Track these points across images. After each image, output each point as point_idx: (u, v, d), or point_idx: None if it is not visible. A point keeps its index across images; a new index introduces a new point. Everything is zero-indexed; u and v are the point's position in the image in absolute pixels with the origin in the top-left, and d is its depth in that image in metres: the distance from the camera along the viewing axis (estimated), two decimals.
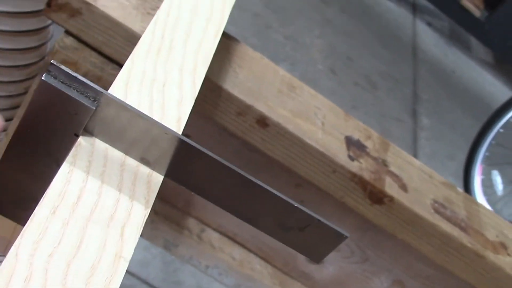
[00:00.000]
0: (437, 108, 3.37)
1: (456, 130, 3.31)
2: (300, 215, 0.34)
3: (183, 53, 0.44)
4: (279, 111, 0.65)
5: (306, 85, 0.72)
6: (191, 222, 0.77)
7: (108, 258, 0.30)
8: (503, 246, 0.73)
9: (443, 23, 4.10)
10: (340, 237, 0.35)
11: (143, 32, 0.61)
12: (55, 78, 0.31)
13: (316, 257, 0.37)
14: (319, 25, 3.18)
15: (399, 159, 0.72)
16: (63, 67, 0.31)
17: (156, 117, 0.37)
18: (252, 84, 0.65)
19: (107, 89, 0.34)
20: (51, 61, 0.31)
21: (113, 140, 0.35)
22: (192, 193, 0.76)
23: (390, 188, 0.67)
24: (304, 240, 0.35)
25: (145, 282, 1.58)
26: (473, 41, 4.04)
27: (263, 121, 0.64)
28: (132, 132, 0.34)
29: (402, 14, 3.87)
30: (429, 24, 4.01)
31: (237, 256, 0.78)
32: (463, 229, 0.70)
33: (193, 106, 0.41)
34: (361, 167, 0.67)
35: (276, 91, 0.67)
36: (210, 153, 0.34)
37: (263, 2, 3.00)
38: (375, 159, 0.69)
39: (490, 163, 2.62)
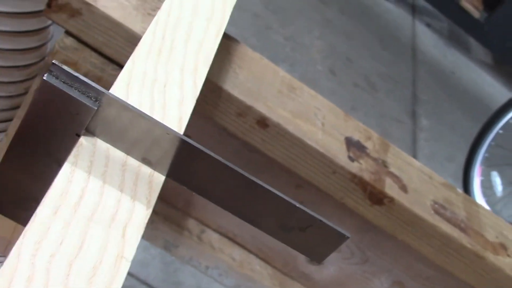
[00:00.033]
0: (436, 109, 3.37)
1: (455, 131, 3.31)
2: (301, 215, 0.34)
3: (184, 53, 0.44)
4: (279, 112, 0.65)
5: (306, 86, 0.72)
6: (191, 223, 0.77)
7: (109, 258, 0.30)
8: (503, 247, 0.73)
9: (442, 24, 4.10)
10: (341, 238, 0.34)
11: (143, 32, 0.61)
12: (57, 78, 0.31)
13: (318, 257, 0.37)
14: (319, 25, 3.18)
15: (399, 160, 0.72)
16: (64, 67, 0.31)
17: (157, 117, 0.37)
18: (252, 84, 0.65)
19: (107, 90, 0.34)
20: (53, 61, 0.31)
21: (115, 140, 0.35)
22: (193, 193, 0.76)
23: (390, 189, 0.67)
24: (305, 241, 0.35)
25: (144, 282, 1.58)
26: (472, 42, 4.04)
27: (263, 122, 0.64)
28: (133, 132, 0.34)
29: (401, 15, 3.87)
30: (428, 25, 4.01)
31: (237, 257, 0.78)
32: (463, 230, 0.70)
33: (194, 107, 0.41)
34: (361, 168, 0.67)
35: (276, 92, 0.67)
36: (211, 154, 0.34)
37: (263, 3, 3.00)
38: (375, 160, 0.69)
39: (490, 164, 2.62)
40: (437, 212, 0.69)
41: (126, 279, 0.30)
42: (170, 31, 0.45)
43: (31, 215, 0.30)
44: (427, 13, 4.03)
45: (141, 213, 0.33)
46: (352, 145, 0.69)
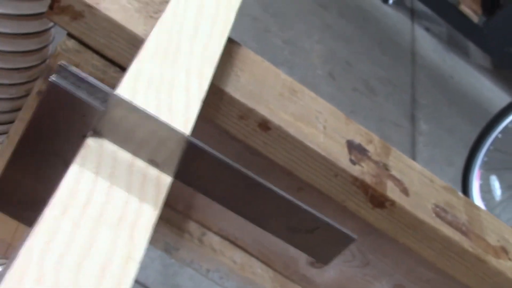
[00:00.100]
0: (435, 113, 3.38)
1: (454, 135, 3.31)
2: (309, 217, 0.34)
3: (189, 55, 0.44)
4: (280, 115, 0.65)
5: (307, 89, 0.72)
6: (192, 226, 0.77)
7: (118, 259, 0.30)
8: (504, 250, 0.73)
9: (441, 28, 4.11)
10: (348, 240, 0.34)
11: (145, 35, 0.61)
12: (64, 79, 0.31)
13: (324, 259, 0.36)
14: (318, 29, 3.19)
15: (401, 163, 0.72)
16: (72, 68, 0.31)
17: (163, 119, 0.37)
18: (253, 87, 0.65)
19: None
20: (60, 62, 0.31)
21: (122, 141, 0.34)
22: (193, 196, 0.76)
23: (392, 192, 0.67)
24: (312, 243, 0.35)
25: (143, 285, 1.58)
26: (471, 47, 4.05)
27: (265, 125, 0.64)
28: (140, 133, 0.34)
29: (400, 20, 3.88)
30: (427, 29, 4.02)
31: (238, 260, 0.78)
32: (464, 233, 0.70)
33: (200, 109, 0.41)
34: (363, 171, 0.67)
35: (277, 95, 0.67)
36: (219, 155, 0.34)
37: (262, 6, 3.00)
38: (376, 163, 0.69)
39: (489, 168, 2.63)
40: (438, 216, 0.69)
41: None
42: (175, 33, 0.45)
43: (37, 216, 0.30)
44: (426, 17, 4.04)
45: (149, 214, 0.33)
46: (354, 148, 0.69)
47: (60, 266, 0.28)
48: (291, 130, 0.65)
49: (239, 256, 0.79)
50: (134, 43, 0.62)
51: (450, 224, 0.70)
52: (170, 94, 0.40)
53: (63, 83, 0.31)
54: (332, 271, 0.79)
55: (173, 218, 0.76)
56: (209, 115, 0.64)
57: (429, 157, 3.01)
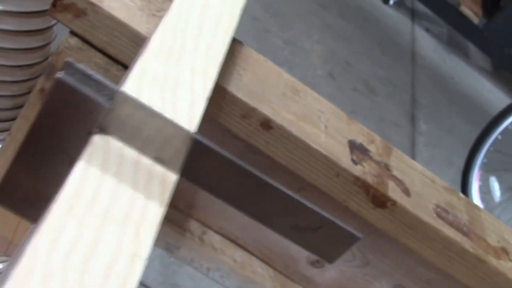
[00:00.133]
0: (435, 114, 3.38)
1: (454, 136, 3.32)
2: (314, 216, 0.34)
3: (194, 54, 0.44)
4: (283, 114, 0.65)
5: (309, 89, 0.72)
6: (193, 224, 0.77)
7: (124, 257, 0.30)
8: (505, 251, 0.73)
9: (442, 29, 4.12)
10: (353, 238, 0.35)
11: (148, 33, 0.62)
12: (71, 76, 0.31)
13: (329, 257, 0.36)
14: (318, 29, 3.19)
15: (402, 164, 0.72)
16: (79, 65, 0.31)
17: (169, 116, 0.37)
18: (256, 87, 0.65)
19: None
20: (67, 59, 0.31)
21: (128, 138, 0.34)
22: (194, 195, 0.76)
23: (393, 192, 0.67)
24: (317, 241, 0.35)
25: (143, 284, 1.58)
26: (472, 48, 4.05)
27: (267, 124, 0.64)
28: (146, 131, 0.34)
29: (400, 20, 3.88)
30: (427, 30, 4.02)
31: (239, 259, 0.78)
32: (465, 234, 0.70)
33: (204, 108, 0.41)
34: (364, 171, 0.67)
35: (280, 94, 0.67)
36: (224, 153, 0.34)
37: (263, 6, 3.00)
38: (378, 163, 0.69)
39: (488, 169, 2.63)
40: (439, 216, 0.69)
41: None
42: (180, 32, 0.45)
43: (41, 213, 0.30)
44: (427, 18, 4.04)
45: (155, 212, 0.33)
46: (356, 148, 0.69)
47: (67, 263, 0.28)
48: (293, 130, 0.65)
49: (239, 255, 0.79)
50: (137, 41, 0.62)
51: (451, 224, 0.70)
52: (175, 92, 0.40)
53: (70, 79, 0.31)
54: (332, 271, 0.79)
55: (174, 216, 0.77)
56: (211, 114, 0.64)
57: (429, 158, 3.01)
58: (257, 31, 2.82)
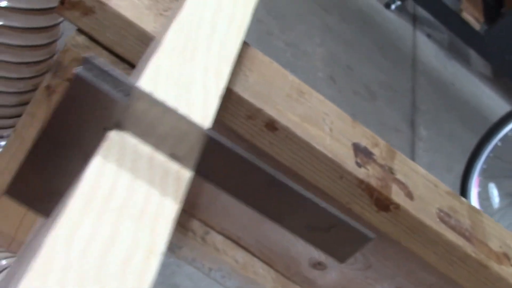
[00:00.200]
0: (435, 120, 3.38)
1: (454, 142, 3.32)
2: (327, 215, 0.34)
3: (206, 53, 0.44)
4: (288, 116, 0.65)
5: (315, 91, 0.72)
6: (195, 224, 0.77)
7: (141, 252, 0.30)
8: (507, 257, 0.73)
9: (443, 35, 4.12)
10: (365, 239, 0.35)
11: (155, 32, 0.62)
12: (89, 71, 0.31)
13: (340, 257, 0.37)
14: (320, 33, 3.19)
15: (406, 167, 0.72)
16: (97, 61, 0.31)
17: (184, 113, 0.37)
18: (262, 88, 0.66)
19: None
20: (86, 55, 0.31)
21: (143, 135, 0.35)
22: (197, 195, 0.76)
23: (397, 195, 0.68)
24: (329, 240, 0.35)
25: None
26: (472, 54, 4.06)
27: (272, 125, 0.65)
28: (162, 127, 0.34)
29: (402, 25, 3.88)
30: (429, 35, 4.03)
31: (240, 260, 0.78)
32: (467, 238, 0.70)
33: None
34: (368, 174, 0.67)
35: (285, 96, 0.68)
36: (239, 150, 0.34)
37: (265, 9, 3.01)
38: (382, 166, 0.69)
39: (487, 175, 2.63)
40: (442, 220, 0.70)
41: None
42: (193, 32, 0.45)
43: (54, 207, 0.30)
44: (428, 23, 4.05)
45: (170, 208, 0.33)
46: (360, 151, 0.69)
47: (84, 258, 0.28)
48: (298, 131, 0.65)
49: (241, 255, 0.79)
50: (144, 40, 0.63)
51: (453, 229, 0.70)
52: (189, 90, 0.40)
53: (88, 75, 0.31)
54: (334, 273, 0.80)
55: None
56: (216, 114, 0.64)
57: (429, 163, 3.02)
58: (259, 33, 2.83)
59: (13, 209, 0.74)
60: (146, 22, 0.63)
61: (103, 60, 0.32)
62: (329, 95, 2.92)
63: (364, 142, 0.70)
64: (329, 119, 0.70)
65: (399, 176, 0.70)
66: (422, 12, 3.89)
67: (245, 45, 0.68)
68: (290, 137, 0.65)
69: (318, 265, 0.78)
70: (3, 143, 0.80)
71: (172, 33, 0.44)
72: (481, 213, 0.77)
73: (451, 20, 3.71)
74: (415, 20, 4.03)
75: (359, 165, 0.67)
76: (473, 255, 0.69)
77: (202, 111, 0.39)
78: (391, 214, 0.68)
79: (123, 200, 0.32)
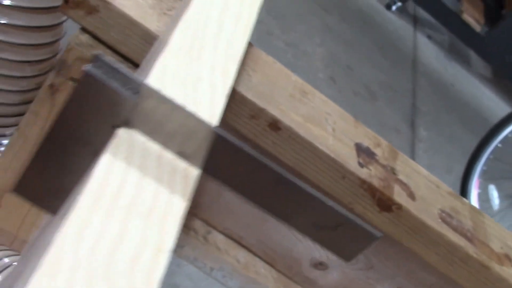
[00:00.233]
0: (435, 120, 3.39)
1: (454, 143, 3.32)
2: (334, 214, 0.34)
3: (213, 52, 0.44)
4: (291, 116, 0.66)
5: (318, 91, 0.72)
6: (197, 224, 0.77)
7: (150, 249, 0.30)
8: (508, 258, 0.73)
9: (443, 36, 4.12)
10: (372, 237, 0.35)
11: (159, 32, 0.62)
12: (99, 68, 0.31)
13: (347, 256, 0.37)
14: (320, 33, 3.19)
15: (408, 168, 0.72)
16: (106, 58, 0.31)
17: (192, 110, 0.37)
18: (265, 88, 0.66)
19: None
20: (95, 53, 0.32)
21: (152, 132, 0.35)
22: (200, 195, 0.76)
23: (399, 196, 0.68)
24: (335, 239, 0.35)
25: None
26: (473, 56, 4.06)
27: (275, 125, 0.65)
28: (170, 125, 0.34)
29: (402, 26, 3.89)
30: (429, 37, 4.03)
31: (242, 259, 0.78)
32: (469, 239, 0.70)
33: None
34: (371, 174, 0.67)
35: (288, 96, 0.68)
36: (247, 148, 0.34)
37: (265, 9, 3.01)
38: (384, 166, 0.70)
39: (487, 177, 2.63)
40: (444, 221, 0.70)
41: None
42: (200, 31, 0.45)
43: (61, 205, 0.30)
44: (429, 25, 4.05)
45: (178, 206, 0.33)
46: (362, 151, 0.69)
47: (93, 255, 0.28)
48: (301, 131, 0.65)
49: (243, 255, 0.79)
50: (148, 39, 0.63)
51: (455, 229, 0.70)
52: (196, 89, 0.40)
53: (97, 72, 0.31)
54: (335, 273, 0.80)
55: None
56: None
57: (428, 164, 3.02)
58: (259, 34, 2.82)
59: (15, 207, 0.74)
60: (150, 21, 0.63)
61: (111, 58, 0.32)
62: (329, 96, 2.90)
63: (366, 142, 0.71)
64: (332, 119, 0.70)
65: (401, 176, 0.70)
66: (422, 13, 3.89)
67: (248, 45, 0.68)
68: (293, 137, 0.65)
69: (319, 265, 0.79)
70: (5, 141, 0.80)
71: (179, 32, 0.44)
72: (482, 214, 0.77)
73: (452, 22, 3.72)
74: (415, 21, 4.03)
75: (361, 165, 0.67)
76: (475, 255, 0.70)
77: (209, 109, 0.39)
78: (393, 214, 0.68)
79: (131, 197, 0.32)
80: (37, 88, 0.75)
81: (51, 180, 0.36)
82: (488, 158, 2.56)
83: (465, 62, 4.13)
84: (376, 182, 0.67)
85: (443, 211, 0.71)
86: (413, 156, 2.97)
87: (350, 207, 0.68)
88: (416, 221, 0.68)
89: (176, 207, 0.33)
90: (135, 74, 0.33)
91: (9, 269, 0.74)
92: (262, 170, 0.34)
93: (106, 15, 0.62)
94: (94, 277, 0.27)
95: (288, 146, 0.66)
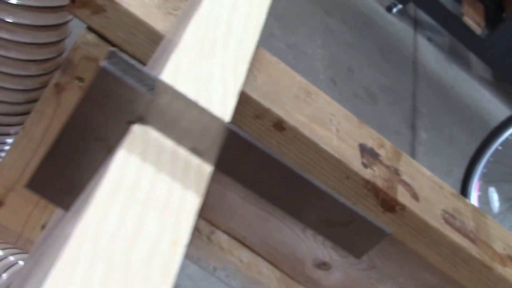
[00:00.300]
0: (435, 123, 3.39)
1: (453, 146, 3.33)
2: (345, 211, 0.34)
3: (224, 52, 0.44)
4: (296, 116, 0.66)
5: (322, 92, 0.72)
6: (201, 223, 0.77)
7: (166, 242, 0.31)
8: (510, 259, 0.74)
9: (444, 39, 4.13)
10: (382, 234, 0.35)
11: (165, 31, 0.62)
12: (114, 65, 0.32)
13: (357, 252, 0.37)
14: (322, 35, 3.20)
15: (411, 169, 0.72)
16: (122, 55, 0.32)
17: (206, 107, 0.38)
18: (270, 88, 0.66)
19: None
20: (111, 49, 0.32)
21: (166, 129, 0.35)
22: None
23: (402, 196, 0.68)
24: (346, 236, 0.36)
25: None
26: (473, 58, 4.07)
27: (280, 125, 0.65)
28: (184, 121, 0.34)
29: (403, 28, 3.89)
30: (429, 39, 4.04)
31: (245, 259, 0.78)
32: (472, 240, 0.71)
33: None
34: (374, 174, 0.68)
35: (293, 96, 0.68)
36: (259, 145, 0.34)
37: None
38: (388, 167, 0.70)
39: (488, 180, 2.63)
40: (447, 222, 0.70)
41: None
42: (211, 29, 0.46)
43: (74, 200, 0.30)
44: (429, 27, 4.06)
45: (192, 201, 0.34)
46: (366, 152, 0.69)
47: (111, 249, 0.28)
48: (306, 132, 0.65)
49: (246, 255, 0.79)
50: (154, 39, 0.63)
51: (458, 230, 0.70)
52: (208, 86, 0.40)
53: (113, 69, 0.31)
54: (338, 273, 0.80)
55: None
56: None
57: (428, 166, 3.01)
58: (261, 35, 2.83)
59: (20, 206, 0.74)
60: (156, 21, 0.63)
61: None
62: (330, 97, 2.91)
63: (370, 143, 0.71)
64: (336, 120, 0.70)
65: (404, 177, 0.71)
66: (423, 15, 3.89)
67: None
68: (297, 137, 0.65)
69: (322, 265, 0.79)
70: (10, 140, 0.80)
71: (190, 31, 0.45)
72: (485, 215, 0.77)
73: (452, 24, 3.72)
74: (416, 23, 4.03)
75: (365, 165, 0.68)
76: (477, 256, 0.70)
77: (221, 106, 0.40)
78: (397, 215, 0.68)
79: (147, 192, 0.32)
80: (42, 87, 0.75)
81: (64, 176, 0.36)
82: (488, 161, 2.57)
83: (465, 64, 4.13)
84: (380, 183, 0.67)
85: (446, 212, 0.71)
86: (413, 158, 2.98)
87: None
88: (420, 221, 0.68)
89: (190, 203, 0.33)
90: (150, 71, 0.33)
91: (14, 267, 0.74)
92: (274, 167, 0.34)
93: (113, 15, 0.63)
94: (112, 269, 0.28)
95: (293, 146, 0.66)
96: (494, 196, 2.75)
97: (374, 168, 0.68)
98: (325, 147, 0.66)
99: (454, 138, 3.40)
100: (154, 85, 0.33)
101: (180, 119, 0.34)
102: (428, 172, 0.75)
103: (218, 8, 0.48)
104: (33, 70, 0.74)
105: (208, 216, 0.78)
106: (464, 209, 0.74)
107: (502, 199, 2.77)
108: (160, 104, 0.34)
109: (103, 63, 0.31)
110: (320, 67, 3.00)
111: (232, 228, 0.79)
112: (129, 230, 0.30)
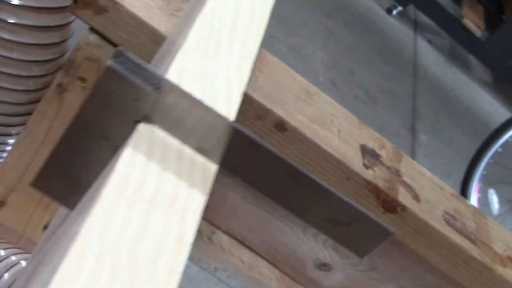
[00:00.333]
0: (435, 125, 3.39)
1: (453, 148, 3.33)
2: (349, 210, 0.35)
3: (228, 51, 0.45)
4: (297, 117, 0.66)
5: (322, 92, 0.73)
6: (202, 224, 0.77)
7: (172, 241, 0.31)
8: (511, 260, 0.74)
9: (444, 41, 4.13)
10: (386, 233, 0.35)
11: (167, 32, 0.62)
12: (121, 64, 0.32)
13: (360, 252, 0.37)
14: (322, 37, 3.20)
15: (412, 170, 0.73)
16: (129, 54, 0.32)
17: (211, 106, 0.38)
18: (271, 88, 0.66)
19: None
20: (118, 48, 0.32)
21: (171, 128, 0.35)
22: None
23: (403, 197, 0.68)
24: (349, 235, 0.36)
25: None
26: (473, 61, 4.07)
27: (281, 126, 0.65)
28: (189, 121, 0.35)
29: (403, 31, 3.89)
30: (429, 41, 4.04)
31: (246, 260, 0.78)
32: (472, 241, 0.71)
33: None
34: (375, 175, 0.68)
35: (294, 97, 0.68)
36: (264, 144, 0.34)
37: None
38: (388, 168, 0.70)
39: (487, 182, 2.64)
40: (448, 223, 0.70)
41: None
42: (215, 29, 0.46)
43: (79, 199, 0.31)
44: (429, 29, 4.06)
45: (198, 200, 0.34)
46: (367, 152, 0.69)
47: (118, 247, 0.29)
48: (307, 132, 0.65)
49: (247, 256, 0.79)
50: (156, 40, 0.63)
51: (459, 231, 0.70)
52: (213, 86, 0.40)
53: (120, 68, 0.32)
54: (339, 274, 0.80)
55: None
56: None
57: (428, 168, 3.01)
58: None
59: (21, 206, 0.75)
60: (158, 22, 0.63)
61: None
62: None
63: (371, 144, 0.71)
64: (337, 121, 0.70)
65: (405, 178, 0.71)
66: (423, 18, 3.90)
67: None
68: (299, 137, 0.65)
69: (323, 266, 0.79)
70: (11, 140, 0.81)
71: (195, 32, 0.45)
72: (485, 216, 0.78)
73: (452, 26, 3.73)
74: (416, 25, 4.04)
75: (366, 166, 0.68)
76: (478, 257, 0.70)
77: (226, 105, 0.40)
78: (398, 216, 0.68)
79: (153, 191, 0.32)
80: (44, 88, 0.75)
81: (69, 174, 0.36)
82: (488, 163, 2.57)
83: (465, 67, 4.14)
84: (381, 184, 0.67)
85: (447, 213, 0.71)
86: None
87: None
88: (421, 222, 0.68)
89: (195, 201, 0.34)
90: (156, 70, 0.33)
91: (16, 267, 0.74)
92: (279, 166, 0.35)
93: (115, 15, 0.63)
94: (118, 268, 0.28)
95: (294, 146, 0.66)
96: (494, 198, 2.75)
97: (375, 169, 0.69)
98: (326, 148, 0.66)
99: (454, 140, 3.40)
100: (160, 84, 0.33)
101: (185, 118, 0.34)
102: (428, 173, 0.75)
103: (222, 8, 0.49)
104: (35, 70, 0.74)
105: (208, 216, 0.79)
106: (465, 210, 0.74)
107: (501, 201, 2.77)
108: (166, 103, 0.34)
109: (109, 62, 0.32)
110: (320, 69, 3.01)
111: (233, 228, 0.79)
112: (135, 229, 0.30)
